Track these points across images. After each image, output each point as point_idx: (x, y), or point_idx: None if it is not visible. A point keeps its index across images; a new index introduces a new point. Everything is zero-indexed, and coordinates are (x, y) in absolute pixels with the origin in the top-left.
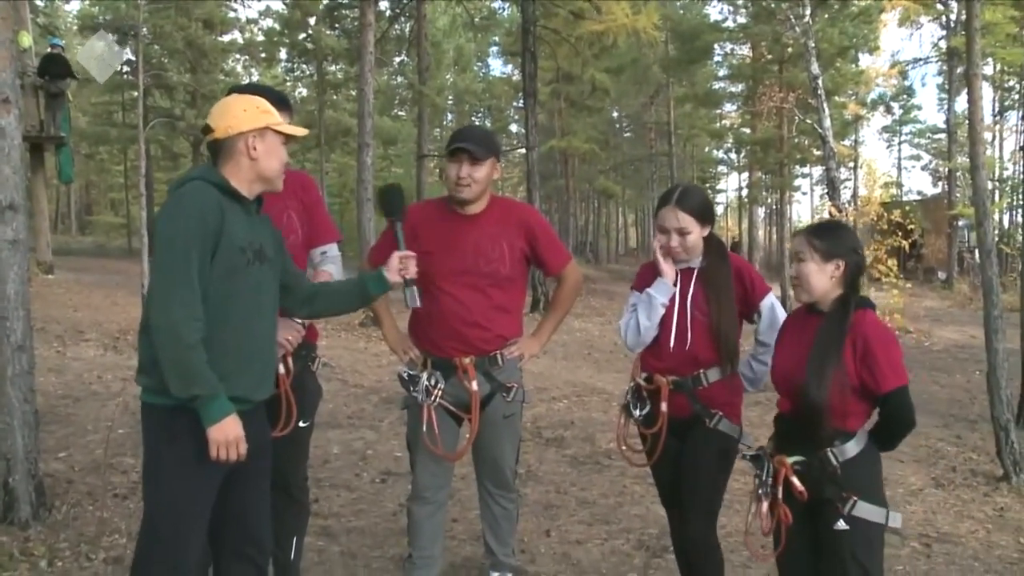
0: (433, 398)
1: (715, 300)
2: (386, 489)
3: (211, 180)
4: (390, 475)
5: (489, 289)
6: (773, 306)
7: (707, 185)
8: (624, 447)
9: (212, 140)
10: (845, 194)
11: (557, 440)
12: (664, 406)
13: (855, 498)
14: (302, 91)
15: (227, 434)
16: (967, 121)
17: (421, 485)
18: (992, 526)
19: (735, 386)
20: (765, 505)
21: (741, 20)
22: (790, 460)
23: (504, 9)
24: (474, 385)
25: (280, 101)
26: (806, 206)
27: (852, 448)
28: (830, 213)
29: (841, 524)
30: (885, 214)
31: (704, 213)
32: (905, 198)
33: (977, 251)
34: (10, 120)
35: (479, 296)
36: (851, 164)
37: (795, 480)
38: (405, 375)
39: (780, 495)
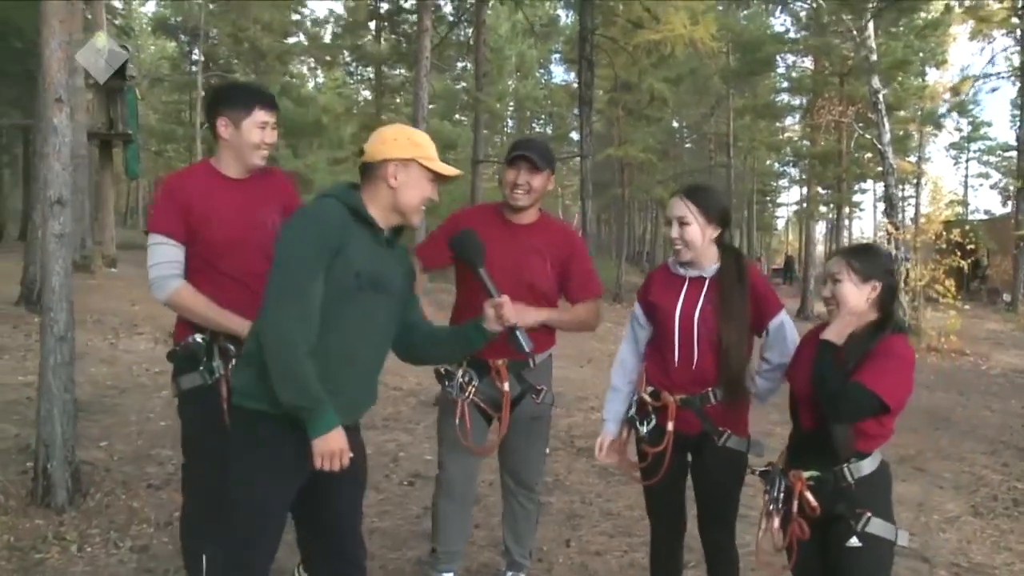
0: (467, 394)
1: (724, 316)
2: (413, 492)
3: (344, 199)
4: (419, 478)
5: (527, 298)
6: (782, 324)
7: (767, 198)
8: (617, 461)
9: (362, 163)
10: (908, 212)
11: (589, 450)
12: (671, 425)
13: (868, 515)
14: (365, 94)
15: (331, 446)
16: None
17: (449, 480)
18: None
19: (743, 400)
20: (776, 521)
21: (803, 32)
22: (805, 475)
23: (567, 16)
24: (506, 386)
25: (263, 97)
26: (868, 222)
27: (867, 466)
28: (887, 231)
29: (854, 541)
30: (944, 233)
31: (711, 210)
32: (971, 217)
33: None
34: (62, 119)
35: (518, 304)
36: (914, 181)
37: (809, 495)
38: (443, 370)
39: (795, 509)
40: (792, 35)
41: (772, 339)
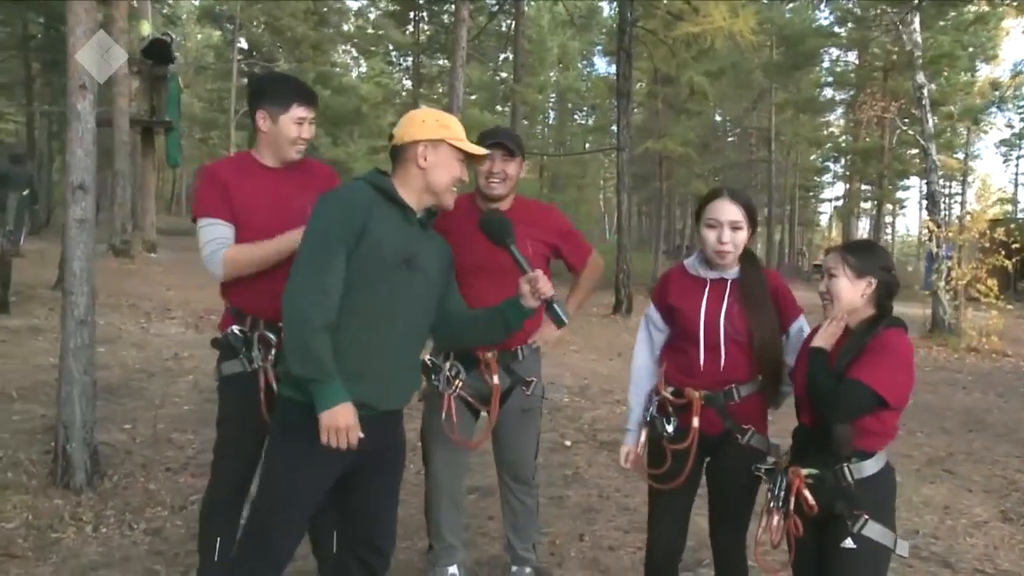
0: (454, 388)
1: (754, 317)
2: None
3: (373, 182)
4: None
5: (513, 284)
6: (802, 329)
7: (809, 194)
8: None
9: (392, 147)
10: (955, 209)
11: (611, 444)
12: (696, 422)
13: (866, 517)
14: (406, 83)
15: (338, 421)
16: None
17: (439, 476)
18: None
19: (764, 399)
20: (776, 518)
21: (849, 25)
22: (804, 472)
23: (611, 8)
24: (495, 379)
25: (302, 93)
26: (913, 219)
27: (870, 467)
28: (928, 228)
29: (849, 542)
30: (989, 232)
31: (752, 213)
32: (1021, 215)
33: None
34: (85, 105)
35: (503, 292)
36: (961, 178)
37: (807, 493)
38: (429, 362)
39: (792, 506)
40: (836, 29)
41: (792, 344)
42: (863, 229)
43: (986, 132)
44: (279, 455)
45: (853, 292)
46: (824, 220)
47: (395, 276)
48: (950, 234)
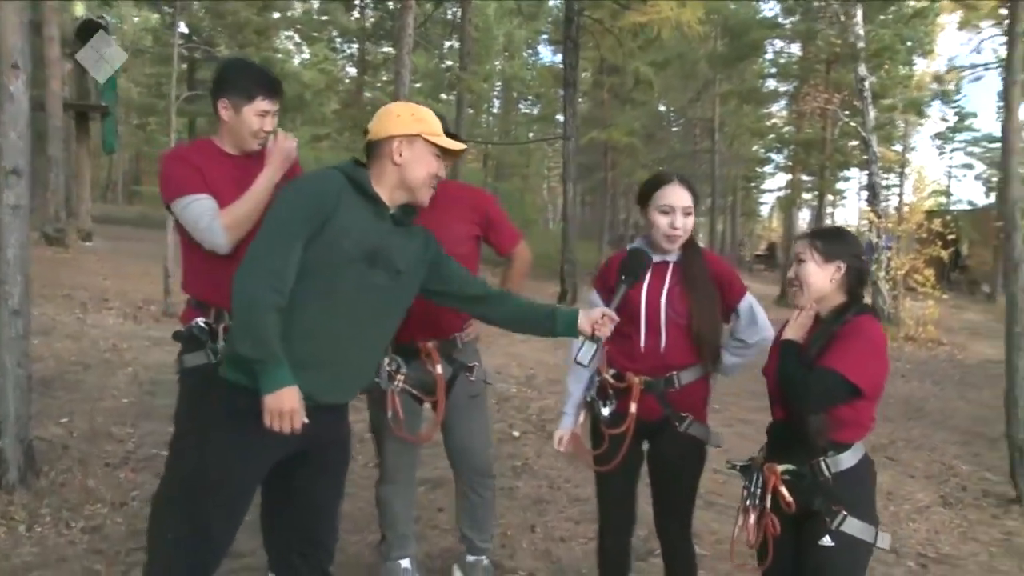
0: (396, 383)
1: (694, 298)
2: (376, 474)
3: (347, 171)
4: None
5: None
6: (751, 305)
7: (751, 184)
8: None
9: (367, 142)
10: (892, 200)
11: None
12: (634, 407)
13: (844, 513)
14: (350, 70)
15: (282, 404)
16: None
17: (391, 468)
18: (997, 550)
19: (706, 387)
20: (752, 517)
21: (793, 17)
22: (780, 469)
23: None
24: (438, 369)
25: (267, 85)
26: (852, 210)
27: (847, 460)
28: (869, 219)
29: (827, 540)
30: (925, 223)
31: (697, 197)
32: (954, 207)
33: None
34: (18, 85)
35: None
36: (899, 170)
37: (783, 490)
38: None
39: (768, 505)
40: (780, 20)
41: (745, 320)
42: (804, 220)
43: (922, 125)
44: (223, 440)
45: (821, 277)
46: (765, 211)
47: (354, 269)
48: (890, 224)
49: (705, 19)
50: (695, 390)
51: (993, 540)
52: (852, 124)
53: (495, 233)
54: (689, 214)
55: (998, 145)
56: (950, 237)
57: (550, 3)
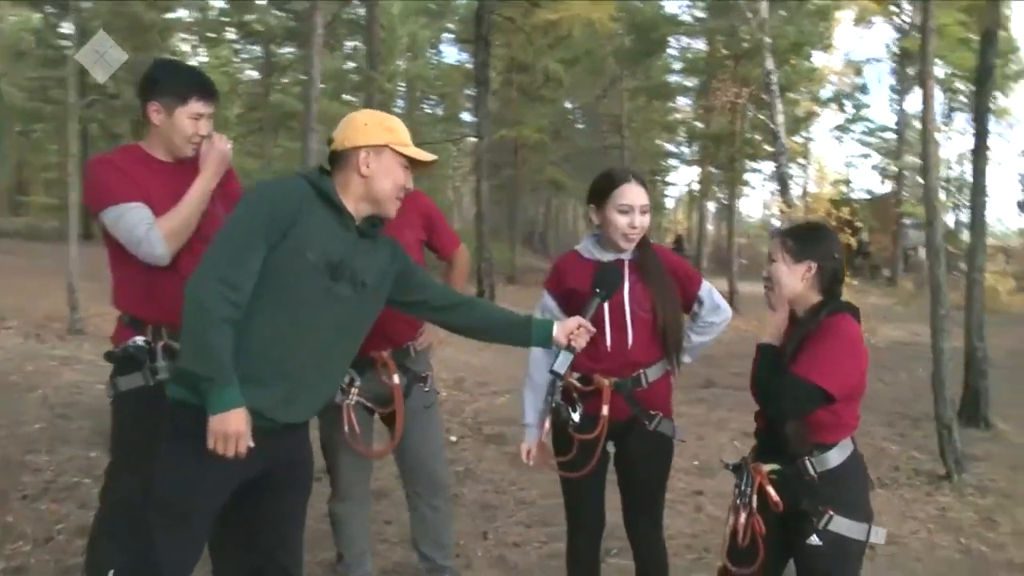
0: (350, 397)
1: (657, 292)
2: (322, 488)
3: (312, 179)
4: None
5: None
6: (711, 291)
7: (658, 178)
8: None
9: (331, 152)
10: (795, 191)
11: (497, 437)
12: (606, 410)
13: (830, 513)
14: (252, 73)
15: (229, 427)
16: (919, 121)
17: (345, 484)
18: (934, 526)
19: (670, 383)
20: (743, 517)
21: (698, 14)
22: (766, 468)
23: None
24: (396, 379)
25: (201, 86)
26: (756, 201)
27: (834, 458)
28: (779, 210)
29: (814, 539)
30: (834, 211)
31: (650, 194)
32: (853, 196)
33: (924, 250)
34: None
35: None
36: (802, 161)
37: (770, 489)
38: None
39: (755, 505)
40: (687, 17)
41: (708, 305)
42: (711, 212)
43: (819, 118)
44: (171, 463)
45: (791, 278)
46: (671, 204)
47: (315, 282)
48: (799, 215)
49: (615, 16)
50: (661, 387)
51: (930, 517)
52: (760, 117)
53: (437, 236)
54: (646, 212)
55: (892, 135)
56: (858, 224)
57: (459, 1)
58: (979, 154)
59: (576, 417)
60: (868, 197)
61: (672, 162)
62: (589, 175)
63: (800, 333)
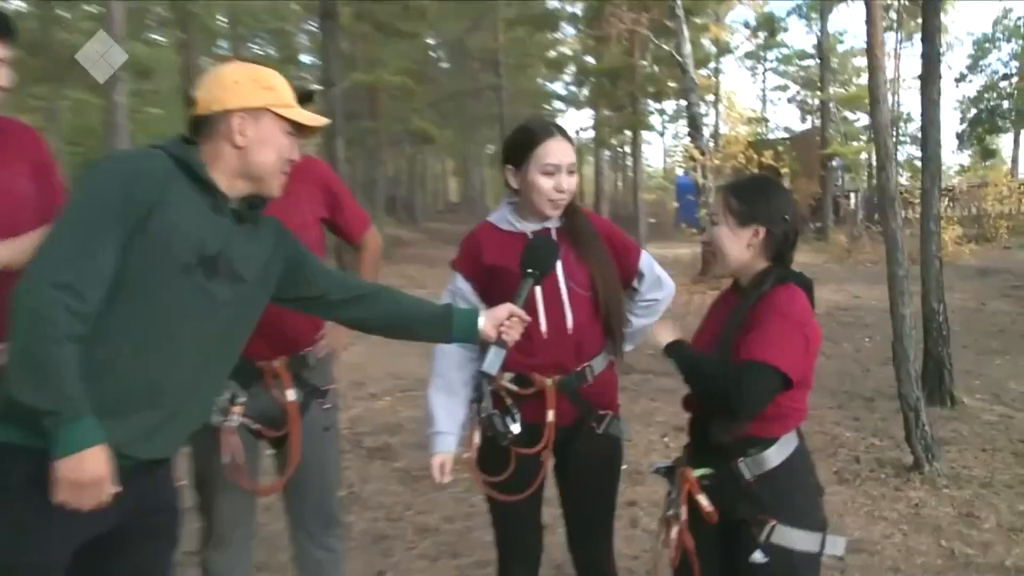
0: (231, 417)
1: (594, 264)
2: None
3: (174, 152)
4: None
5: None
6: (651, 262)
7: (521, 123)
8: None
9: (194, 116)
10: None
11: (383, 450)
12: (551, 416)
13: (773, 523)
14: (18, 3)
15: (82, 472)
16: (844, 42)
17: (224, 526)
18: (908, 527)
19: (615, 374)
20: (675, 531)
21: None
22: (696, 473)
23: None
24: (291, 394)
25: None
26: (657, 148)
27: (772, 458)
28: (691, 156)
29: (758, 556)
30: (755, 156)
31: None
32: (772, 136)
33: (856, 197)
34: None
35: None
36: (711, 97)
37: (701, 498)
38: None
39: (684, 517)
40: None
41: (650, 278)
42: (607, 161)
43: (730, 46)
44: None
45: (736, 244)
46: None
47: (186, 279)
48: (717, 161)
49: None
50: (608, 379)
51: (902, 516)
52: (665, 48)
53: (341, 214)
54: (573, 172)
55: (812, 62)
56: (784, 170)
57: None
58: (929, 80)
59: (516, 428)
60: (787, 136)
61: (558, 105)
62: (458, 124)
63: (743, 308)
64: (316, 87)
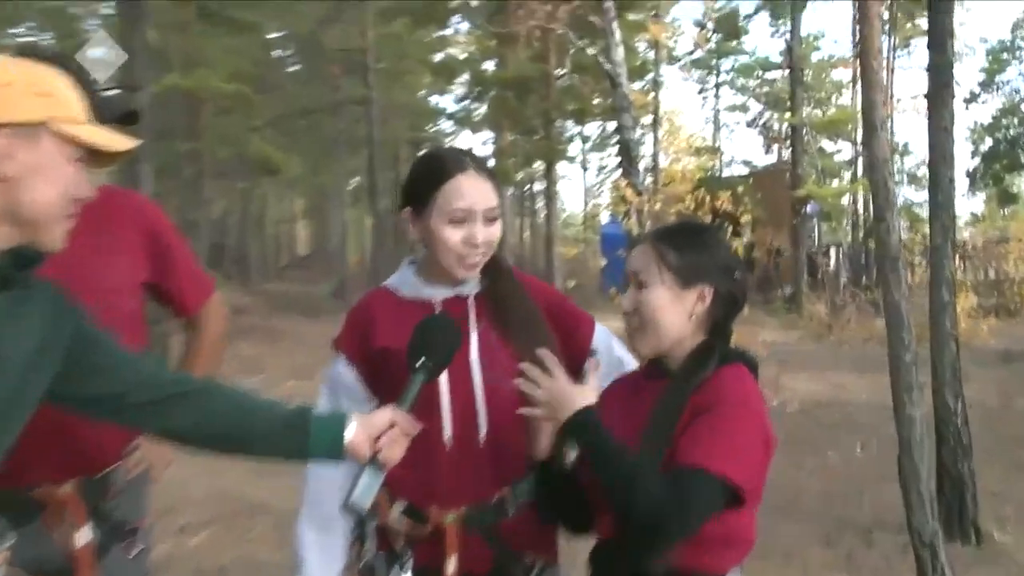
0: None
1: (525, 346)
2: None
3: None
4: None
5: (114, 324)
6: (609, 337)
7: (424, 148)
8: None
9: None
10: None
11: None
12: (453, 564)
13: None
14: None
15: None
16: (823, 50)
17: None
18: None
19: None
20: None
21: None
22: None
23: None
24: (82, 535)
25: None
26: (577, 185)
27: None
28: (623, 197)
29: None
30: (707, 198)
31: (500, 188)
32: (728, 172)
33: (837, 252)
34: None
35: None
36: (648, 119)
37: None
38: None
39: None
40: None
41: (607, 361)
42: (510, 202)
43: (674, 54)
44: None
45: (676, 312)
46: None
47: None
48: (657, 204)
49: None
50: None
51: None
52: (589, 52)
53: (173, 278)
54: (494, 219)
55: (779, 74)
56: (744, 218)
57: None
58: (939, 100)
59: None
60: (747, 173)
61: (446, 125)
62: (313, 149)
63: (678, 397)
64: (113, 89)
